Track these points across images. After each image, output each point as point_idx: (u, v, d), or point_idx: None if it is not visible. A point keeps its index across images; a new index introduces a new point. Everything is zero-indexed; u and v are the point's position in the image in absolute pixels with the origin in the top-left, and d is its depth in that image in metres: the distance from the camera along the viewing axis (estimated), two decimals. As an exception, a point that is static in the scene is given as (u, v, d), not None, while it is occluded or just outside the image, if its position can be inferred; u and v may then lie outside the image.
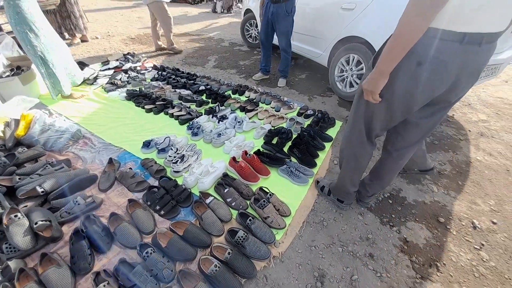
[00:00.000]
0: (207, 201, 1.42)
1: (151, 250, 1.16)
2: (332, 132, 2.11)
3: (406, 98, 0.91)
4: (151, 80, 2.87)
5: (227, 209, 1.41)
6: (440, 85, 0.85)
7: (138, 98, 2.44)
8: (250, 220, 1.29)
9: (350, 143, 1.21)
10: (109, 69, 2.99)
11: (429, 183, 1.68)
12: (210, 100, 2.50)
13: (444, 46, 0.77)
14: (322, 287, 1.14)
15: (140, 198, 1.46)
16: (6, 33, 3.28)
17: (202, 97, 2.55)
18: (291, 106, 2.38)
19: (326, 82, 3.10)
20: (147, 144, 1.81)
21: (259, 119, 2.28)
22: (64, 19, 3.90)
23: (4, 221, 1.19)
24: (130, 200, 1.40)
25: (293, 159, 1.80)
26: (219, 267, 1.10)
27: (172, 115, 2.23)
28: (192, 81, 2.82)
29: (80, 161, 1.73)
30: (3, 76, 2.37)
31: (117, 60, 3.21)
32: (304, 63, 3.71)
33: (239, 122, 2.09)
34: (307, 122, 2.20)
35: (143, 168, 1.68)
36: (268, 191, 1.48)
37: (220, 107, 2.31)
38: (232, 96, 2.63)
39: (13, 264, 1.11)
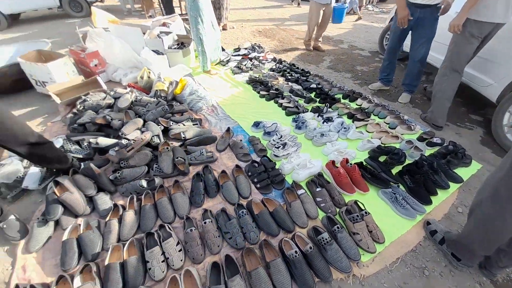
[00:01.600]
0: (299, 192, 1.48)
1: (246, 212, 1.34)
2: (464, 173, 1.69)
3: None
4: (269, 70, 3.17)
5: (315, 207, 1.43)
6: None
7: (256, 83, 2.77)
8: (338, 228, 1.26)
9: (501, 199, 0.94)
10: (238, 55, 3.52)
11: None
12: (318, 100, 2.52)
13: None
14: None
15: (243, 167, 1.69)
16: (178, 14, 4.39)
17: (311, 94, 2.60)
18: (412, 127, 2.07)
19: (469, 109, 2.48)
20: (256, 124, 2.06)
21: (367, 131, 2.11)
22: (215, 9, 4.82)
23: (160, 149, 1.68)
24: (237, 166, 1.66)
25: (401, 187, 1.58)
26: (298, 255, 1.15)
27: (280, 105, 2.40)
28: (304, 78, 2.91)
29: (207, 123, 2.17)
30: (172, 47, 3.22)
31: (245, 48, 3.72)
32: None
33: (345, 128, 2.02)
34: (429, 151, 1.86)
35: (249, 143, 1.93)
36: (363, 208, 1.39)
37: (328, 109, 2.29)
38: (342, 100, 2.55)
39: (157, 180, 1.57)
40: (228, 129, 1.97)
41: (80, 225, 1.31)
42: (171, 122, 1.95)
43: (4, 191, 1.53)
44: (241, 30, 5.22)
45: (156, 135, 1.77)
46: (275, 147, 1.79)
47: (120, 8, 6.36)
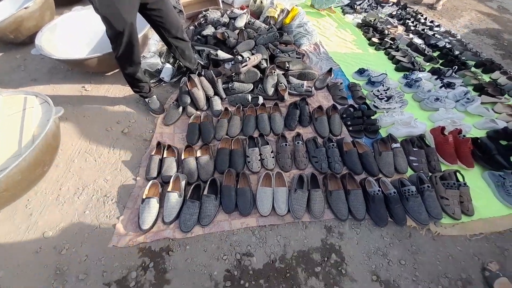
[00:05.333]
0: (393, 145, 1.46)
1: (335, 145, 1.44)
2: None
3: None
4: (387, 15, 2.71)
5: (406, 163, 1.41)
6: None
7: (368, 28, 2.46)
8: (428, 186, 1.25)
9: None
10: (354, -8, 3.05)
11: None
12: (442, 61, 2.12)
13: None
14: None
15: (339, 109, 1.71)
16: None
17: (434, 53, 2.19)
18: None
19: None
20: (361, 72, 1.94)
21: (494, 110, 1.75)
22: None
23: (267, 72, 1.81)
24: (333, 105, 1.69)
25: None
26: (380, 193, 1.23)
27: (392, 57, 2.14)
28: (432, 33, 2.41)
29: (308, 59, 2.16)
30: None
31: (364, -15, 3.17)
32: None
33: (468, 99, 1.71)
34: None
35: (348, 89, 1.88)
36: (462, 180, 1.29)
37: (453, 73, 1.93)
38: (473, 69, 2.07)
39: (260, 98, 1.75)
40: (330, 70, 1.93)
41: (201, 116, 1.67)
42: (278, 50, 2.02)
43: (148, 77, 2.00)
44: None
45: (264, 59, 1.89)
46: (378, 97, 1.70)
47: None
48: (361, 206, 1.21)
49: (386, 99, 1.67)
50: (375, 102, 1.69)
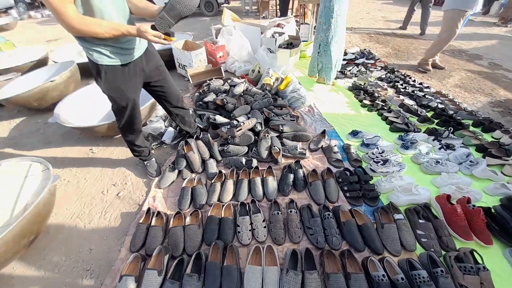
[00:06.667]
0: (396, 216, 1.35)
1: (331, 215, 1.34)
2: None
3: None
4: (377, 78, 2.92)
5: (413, 239, 1.26)
6: None
7: (359, 91, 2.61)
8: (441, 271, 1.08)
9: None
10: (344, 59, 3.39)
11: None
12: (437, 121, 2.14)
13: None
14: None
15: (334, 172, 1.67)
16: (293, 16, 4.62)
17: (428, 113, 2.23)
18: None
19: None
20: (355, 133, 1.97)
21: (503, 173, 1.65)
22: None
23: (260, 135, 1.88)
24: (328, 169, 1.66)
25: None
26: (386, 279, 1.06)
27: (385, 118, 2.19)
28: (422, 94, 2.52)
29: (303, 121, 2.25)
30: (282, 47, 3.45)
31: (353, 53, 3.54)
32: None
33: (471, 162, 1.64)
34: None
35: (343, 151, 1.88)
36: (481, 262, 1.12)
37: (450, 134, 1.91)
38: (471, 128, 2.06)
39: (254, 161, 1.76)
40: (323, 132, 1.98)
41: (194, 179, 1.68)
42: (272, 113, 2.14)
43: (150, 140, 2.12)
44: (349, 34, 4.98)
45: (259, 122, 1.99)
46: (374, 161, 1.67)
47: (240, 9, 7.31)
48: (364, 295, 1.04)
49: (382, 162, 1.64)
50: (371, 165, 1.65)
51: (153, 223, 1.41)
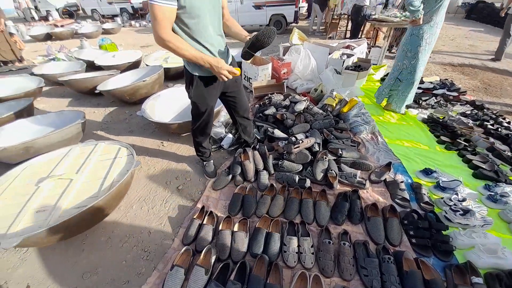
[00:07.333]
0: (474, 279, 1.11)
1: (392, 260, 1.19)
2: None
3: None
4: (460, 114, 2.54)
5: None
6: None
7: (437, 125, 2.32)
8: None
9: None
10: (419, 88, 3.08)
11: None
12: (542, 176, 1.72)
13: None
14: None
15: (399, 212, 1.50)
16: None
17: (529, 165, 1.82)
18: None
19: None
20: (428, 172, 1.74)
21: None
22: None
23: (318, 156, 1.83)
24: (391, 206, 1.50)
25: None
26: None
27: (468, 161, 1.87)
28: (521, 138, 2.08)
29: (364, 148, 2.11)
30: (349, 68, 3.35)
31: (431, 82, 3.19)
32: None
33: None
34: None
35: (411, 190, 1.68)
36: None
37: None
38: None
39: (307, 181, 1.72)
40: (389, 164, 1.81)
41: (247, 187, 1.73)
42: (332, 136, 2.07)
43: (211, 143, 2.30)
44: (428, 61, 4.52)
45: (317, 143, 1.95)
46: (451, 208, 1.43)
47: (307, 28, 7.48)
48: None
49: (462, 212, 1.39)
50: (447, 213, 1.42)
51: (205, 221, 1.51)
